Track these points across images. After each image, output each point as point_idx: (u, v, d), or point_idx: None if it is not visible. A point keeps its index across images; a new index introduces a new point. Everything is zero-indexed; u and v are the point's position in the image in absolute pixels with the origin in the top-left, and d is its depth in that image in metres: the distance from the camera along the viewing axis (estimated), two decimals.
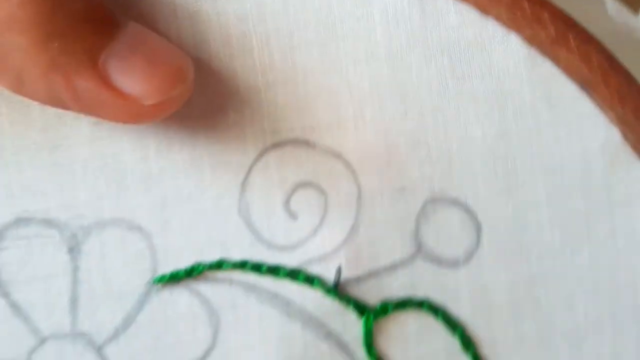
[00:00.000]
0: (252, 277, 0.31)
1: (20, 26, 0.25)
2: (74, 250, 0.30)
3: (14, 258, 0.30)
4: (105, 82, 0.26)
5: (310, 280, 0.30)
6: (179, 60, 0.27)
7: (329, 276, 0.31)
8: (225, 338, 0.31)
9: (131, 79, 0.26)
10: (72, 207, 0.30)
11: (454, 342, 0.31)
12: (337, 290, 0.31)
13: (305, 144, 0.30)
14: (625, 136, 0.31)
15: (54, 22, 0.26)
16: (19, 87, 0.26)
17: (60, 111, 0.29)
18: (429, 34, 0.30)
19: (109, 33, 0.27)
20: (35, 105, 0.29)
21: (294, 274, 0.30)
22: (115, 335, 0.30)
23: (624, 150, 0.31)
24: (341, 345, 0.31)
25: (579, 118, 0.31)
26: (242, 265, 0.30)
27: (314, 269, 0.31)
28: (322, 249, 0.31)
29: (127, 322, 0.30)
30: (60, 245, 0.30)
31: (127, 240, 0.30)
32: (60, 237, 0.30)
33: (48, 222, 0.30)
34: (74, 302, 0.30)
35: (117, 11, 0.28)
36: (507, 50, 0.30)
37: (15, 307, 0.30)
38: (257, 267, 0.30)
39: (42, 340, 0.30)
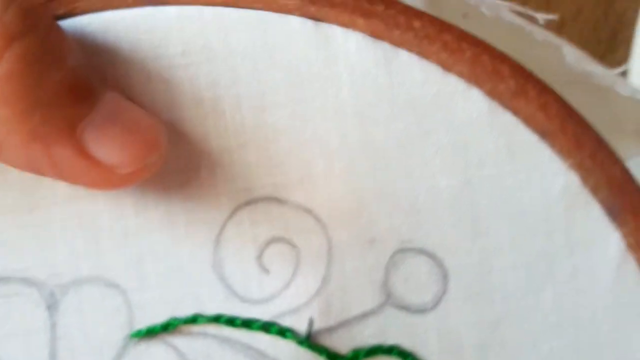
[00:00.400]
0: (226, 330, 0.31)
1: (3, 99, 0.26)
2: (52, 307, 0.31)
3: None
4: (82, 151, 0.27)
5: (283, 332, 0.31)
6: (153, 129, 0.28)
7: (302, 327, 0.32)
8: None
9: (107, 148, 0.27)
10: (50, 266, 0.31)
11: None
12: (309, 340, 0.31)
13: (276, 200, 0.31)
14: (584, 181, 0.32)
15: (37, 94, 0.26)
16: None
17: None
18: (395, 91, 0.31)
19: (88, 103, 0.27)
20: (13, 169, 0.30)
21: (267, 327, 0.31)
22: None
23: (583, 194, 0.32)
24: None
25: (539, 165, 0.32)
26: (216, 319, 0.31)
27: (287, 321, 0.32)
28: (295, 301, 0.31)
29: None
30: (38, 302, 0.31)
31: (104, 296, 0.31)
32: (39, 294, 0.31)
33: (26, 281, 0.31)
34: (53, 357, 0.31)
35: (95, 78, 0.29)
36: (469, 104, 0.32)
37: None
38: (231, 321, 0.31)
39: None
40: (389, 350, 0.32)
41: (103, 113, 0.28)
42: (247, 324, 0.31)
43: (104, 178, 0.28)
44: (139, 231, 0.31)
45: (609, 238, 0.33)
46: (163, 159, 0.29)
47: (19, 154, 0.27)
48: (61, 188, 0.30)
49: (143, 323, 0.31)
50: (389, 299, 0.32)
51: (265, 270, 0.31)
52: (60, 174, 0.28)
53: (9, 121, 0.26)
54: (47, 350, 0.31)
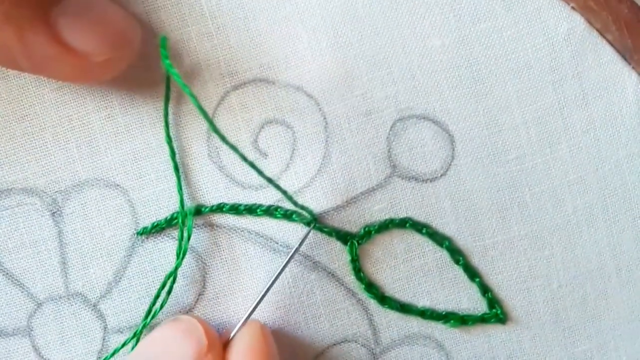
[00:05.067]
0: (232, 219, 0.31)
1: None
2: (56, 214, 0.31)
3: (1, 229, 0.31)
4: (56, 37, 0.27)
5: (288, 215, 0.31)
6: (126, 22, 0.28)
7: (309, 208, 0.31)
8: (214, 281, 0.31)
9: (81, 36, 0.27)
10: (48, 173, 0.31)
11: (443, 255, 0.32)
12: (316, 221, 0.31)
13: (264, 81, 0.30)
14: (590, 23, 0.30)
15: None
16: None
17: (22, 81, 0.30)
18: None
19: None
20: None
21: (271, 211, 0.31)
22: (109, 290, 0.31)
23: (590, 37, 0.31)
24: (330, 274, 0.31)
25: (539, 12, 0.31)
26: (220, 208, 0.31)
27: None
28: (297, 182, 0.31)
29: (118, 276, 0.31)
30: (42, 211, 0.31)
31: (105, 198, 0.31)
32: (42, 203, 0.31)
33: (27, 190, 0.31)
34: (64, 264, 0.31)
35: None
36: None
37: (9, 276, 0.31)
38: (234, 208, 0.31)
39: (39, 304, 0.31)
40: (402, 222, 0.31)
41: (75, 2, 0.27)
42: (251, 209, 0.31)
43: (77, 67, 0.27)
44: (130, 129, 0.30)
45: (626, 81, 0.31)
46: (135, 53, 0.28)
47: None
48: (47, 94, 0.30)
49: (148, 220, 0.31)
50: (395, 170, 0.31)
51: (262, 154, 0.31)
52: (34, 63, 0.27)
53: None
54: (57, 258, 0.31)
